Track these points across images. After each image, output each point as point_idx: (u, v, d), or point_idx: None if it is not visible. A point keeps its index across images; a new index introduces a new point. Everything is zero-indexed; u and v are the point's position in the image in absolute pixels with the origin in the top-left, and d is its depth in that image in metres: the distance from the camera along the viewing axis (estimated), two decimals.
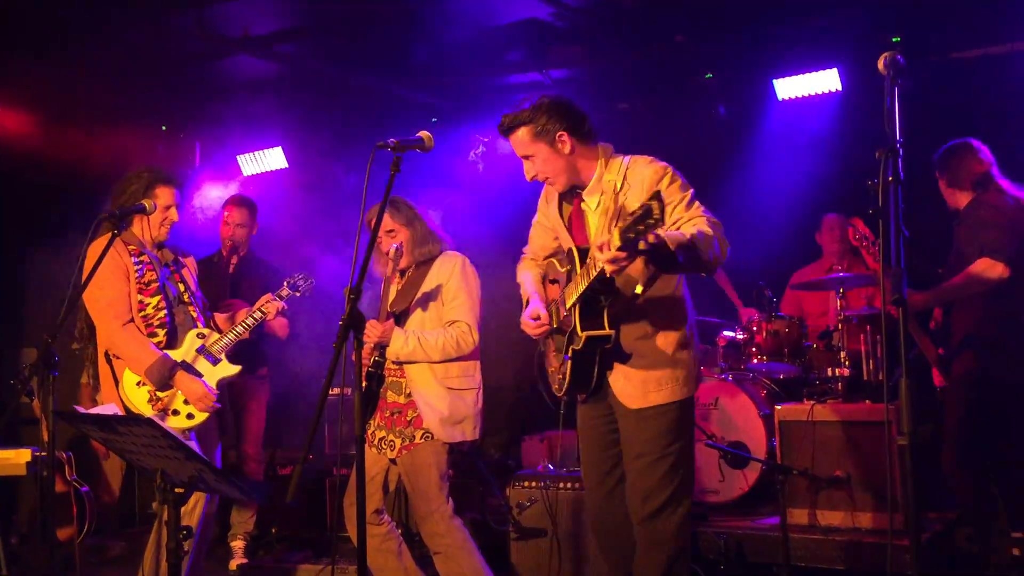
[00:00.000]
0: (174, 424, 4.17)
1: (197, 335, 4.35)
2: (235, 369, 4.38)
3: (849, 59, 6.49)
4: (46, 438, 4.67)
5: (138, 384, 4.20)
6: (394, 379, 4.20)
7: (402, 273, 4.31)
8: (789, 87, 6.67)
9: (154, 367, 4.15)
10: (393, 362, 4.15)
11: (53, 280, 6.58)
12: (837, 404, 5.21)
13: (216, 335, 4.39)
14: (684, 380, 3.48)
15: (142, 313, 4.25)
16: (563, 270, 3.60)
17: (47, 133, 6.92)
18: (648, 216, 2.75)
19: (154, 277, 4.30)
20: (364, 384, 3.99)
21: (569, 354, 3.43)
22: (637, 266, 3.23)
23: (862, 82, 6.48)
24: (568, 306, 3.43)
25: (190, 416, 4.22)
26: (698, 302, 3.70)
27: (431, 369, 4.11)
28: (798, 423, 5.14)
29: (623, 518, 3.59)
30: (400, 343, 4.05)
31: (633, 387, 3.45)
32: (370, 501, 4.11)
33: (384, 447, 4.18)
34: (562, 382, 3.54)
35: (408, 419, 4.14)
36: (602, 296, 3.29)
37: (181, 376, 4.20)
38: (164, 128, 7.70)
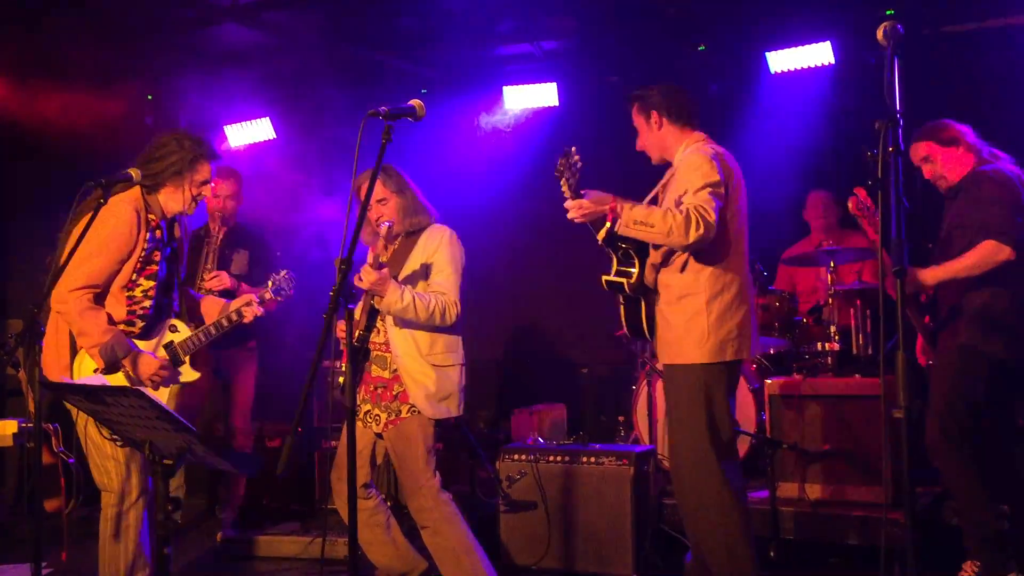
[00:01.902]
0: None
1: (169, 328, 4.02)
2: (194, 376, 4.05)
3: (842, 32, 6.44)
4: (32, 409, 4.62)
5: (95, 371, 3.82)
6: (379, 353, 4.15)
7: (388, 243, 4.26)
8: (782, 60, 6.61)
9: (108, 344, 3.72)
10: (386, 314, 4.05)
11: (35, 250, 6.52)
12: (827, 378, 5.23)
13: (186, 331, 4.02)
14: (693, 346, 3.86)
15: (128, 293, 3.88)
16: None
17: (27, 102, 6.80)
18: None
19: (157, 258, 3.91)
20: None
21: (621, 299, 4.06)
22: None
23: (855, 56, 6.45)
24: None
25: None
26: None
27: (417, 345, 4.07)
28: (788, 397, 5.16)
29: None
30: (396, 296, 3.93)
31: (660, 345, 4.01)
32: (358, 475, 4.08)
33: (370, 421, 4.15)
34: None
35: (394, 393, 4.11)
36: (617, 244, 3.90)
37: (131, 358, 3.80)
38: (150, 97, 7.60)
